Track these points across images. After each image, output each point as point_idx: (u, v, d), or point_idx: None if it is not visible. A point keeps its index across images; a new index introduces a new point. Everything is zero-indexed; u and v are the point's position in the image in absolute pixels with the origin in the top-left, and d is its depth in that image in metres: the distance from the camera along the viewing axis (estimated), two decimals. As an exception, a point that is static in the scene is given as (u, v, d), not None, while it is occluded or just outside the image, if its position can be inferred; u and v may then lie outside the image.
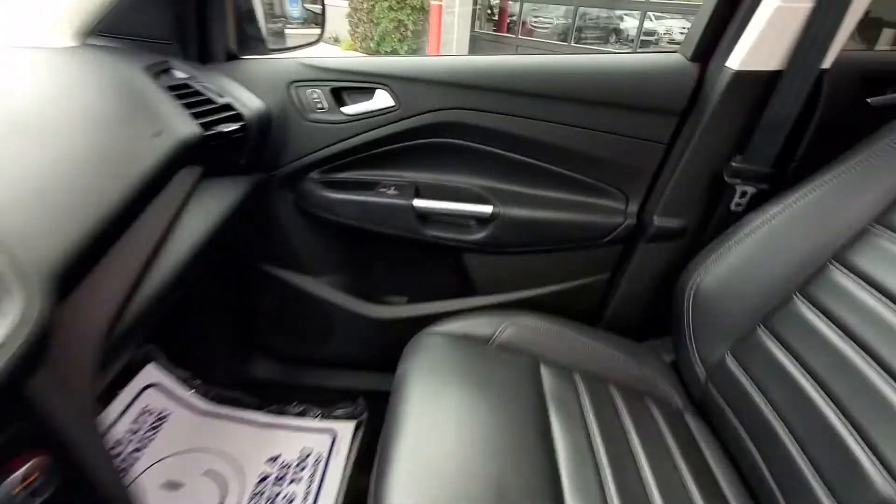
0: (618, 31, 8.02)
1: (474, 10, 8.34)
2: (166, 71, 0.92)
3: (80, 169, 0.54)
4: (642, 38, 7.50)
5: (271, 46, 1.16)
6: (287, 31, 1.55)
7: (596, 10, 7.88)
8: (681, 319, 0.94)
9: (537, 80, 0.99)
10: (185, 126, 0.79)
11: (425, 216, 1.11)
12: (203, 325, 1.29)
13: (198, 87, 0.90)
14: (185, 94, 0.87)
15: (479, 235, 1.11)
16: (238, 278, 1.23)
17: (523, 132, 1.02)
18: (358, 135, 1.04)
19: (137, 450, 1.19)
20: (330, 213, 1.11)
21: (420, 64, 1.03)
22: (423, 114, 1.02)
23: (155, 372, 1.32)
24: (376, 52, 8.58)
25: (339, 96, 1.04)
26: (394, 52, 8.48)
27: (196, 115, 0.84)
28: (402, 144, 1.07)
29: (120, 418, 1.23)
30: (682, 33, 7.41)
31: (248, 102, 0.95)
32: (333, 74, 1.02)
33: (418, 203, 1.08)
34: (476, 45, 8.49)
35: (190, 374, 1.35)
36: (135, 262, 0.59)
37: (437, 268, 1.25)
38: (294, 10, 1.67)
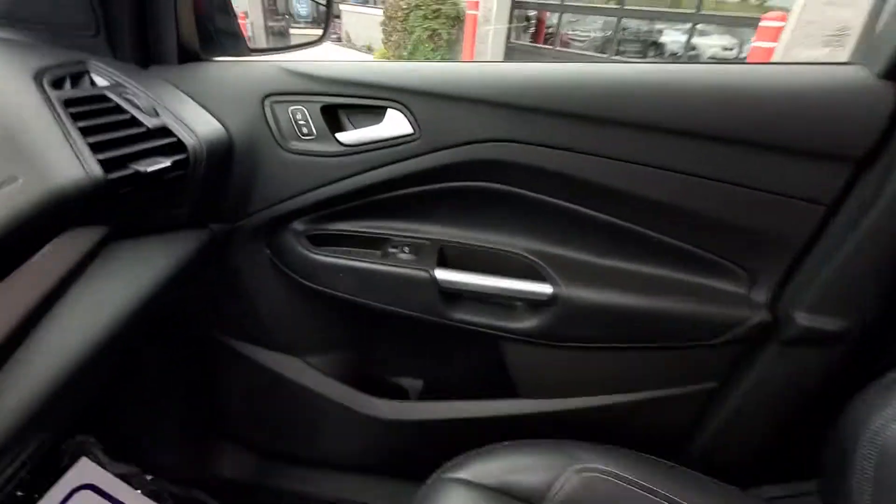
0: (657, 45, 7.57)
1: (511, 20, 8.05)
2: (79, 76, 0.62)
3: None
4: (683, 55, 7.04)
5: (253, 46, 0.85)
6: (293, 30, 1.25)
7: (635, 22, 7.45)
8: (847, 474, 0.57)
9: (627, 99, 0.64)
10: (70, 168, 0.48)
11: (452, 294, 0.77)
12: (153, 409, 0.99)
13: (119, 101, 0.60)
14: (94, 111, 0.56)
15: (529, 323, 0.76)
16: (197, 354, 0.92)
17: (602, 178, 0.68)
18: (358, 174, 0.72)
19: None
20: (317, 283, 0.79)
21: (452, 73, 0.70)
22: (454, 147, 0.69)
23: (89, 469, 1.01)
24: (410, 61, 8.38)
25: (333, 117, 0.72)
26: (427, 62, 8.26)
27: (104, 146, 0.53)
28: (422, 188, 0.75)
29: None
30: (727, 51, 6.90)
31: (198, 125, 0.64)
32: (327, 85, 0.70)
33: (443, 275, 0.74)
34: (512, 56, 8.18)
35: (137, 469, 1.04)
36: None
37: (465, 355, 0.91)
38: (301, 7, 1.37)
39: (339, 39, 10.75)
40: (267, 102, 0.70)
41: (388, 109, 0.69)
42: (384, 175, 0.72)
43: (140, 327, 0.59)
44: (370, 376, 0.98)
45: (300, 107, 0.70)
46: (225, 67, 0.73)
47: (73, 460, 1.01)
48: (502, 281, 0.74)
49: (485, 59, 7.89)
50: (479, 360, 0.90)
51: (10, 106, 0.50)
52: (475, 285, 0.74)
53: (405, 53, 8.31)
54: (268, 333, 0.88)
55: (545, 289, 0.73)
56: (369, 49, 9.53)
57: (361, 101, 0.70)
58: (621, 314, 0.73)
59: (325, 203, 0.75)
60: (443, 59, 8.25)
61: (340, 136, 0.71)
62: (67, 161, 0.49)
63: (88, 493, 1.00)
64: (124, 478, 1.04)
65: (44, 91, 0.54)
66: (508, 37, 8.11)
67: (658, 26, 7.49)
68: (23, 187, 0.44)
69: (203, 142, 0.63)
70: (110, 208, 0.54)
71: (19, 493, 0.95)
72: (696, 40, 7.09)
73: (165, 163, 0.58)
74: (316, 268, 0.77)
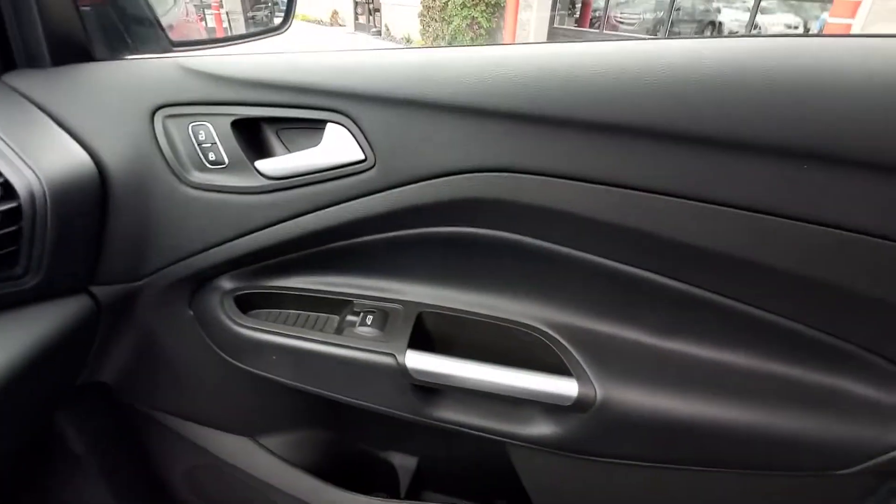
0: (714, 25, 6.88)
1: (554, 3, 7.58)
2: None
3: None
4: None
5: (177, 39, 0.65)
6: (278, 19, 1.05)
7: (689, 0, 6.81)
8: None
9: (695, 98, 0.38)
10: None
11: (431, 389, 0.54)
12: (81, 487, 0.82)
13: None
14: None
15: (545, 430, 0.52)
16: (129, 439, 0.74)
17: (660, 225, 0.43)
18: (290, 219, 0.50)
19: None
20: (245, 363, 0.58)
21: (419, 66, 0.46)
22: (424, 180, 0.46)
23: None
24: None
25: (253, 136, 0.51)
26: (464, 52, 7.96)
27: None
28: (383, 236, 0.52)
29: None
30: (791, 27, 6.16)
31: (47, 157, 0.44)
32: (240, 89, 0.48)
33: (416, 362, 0.51)
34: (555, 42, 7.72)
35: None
36: None
37: (459, 450, 0.69)
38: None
39: (378, 32, 10.64)
40: (158, 117, 0.49)
41: (328, 124, 0.47)
42: (327, 220, 0.49)
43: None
44: (345, 456, 0.77)
45: (204, 122, 0.49)
46: (113, 69, 0.53)
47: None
48: (504, 373, 0.50)
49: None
50: (479, 458, 0.67)
51: None
52: (464, 379, 0.50)
53: (443, 44, 8.05)
54: (204, 410, 0.69)
55: (568, 387, 0.48)
56: (407, 40, 9.36)
57: (288, 112, 0.48)
58: (690, 426, 0.47)
59: (251, 256, 0.53)
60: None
61: (262, 164, 0.49)
62: None
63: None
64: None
65: None
66: (552, 21, 7.66)
67: (715, 3, 6.86)
68: None
69: (49, 183, 0.43)
70: None
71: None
72: (758, 18, 6.43)
73: None
74: (245, 345, 0.56)
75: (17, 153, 0.43)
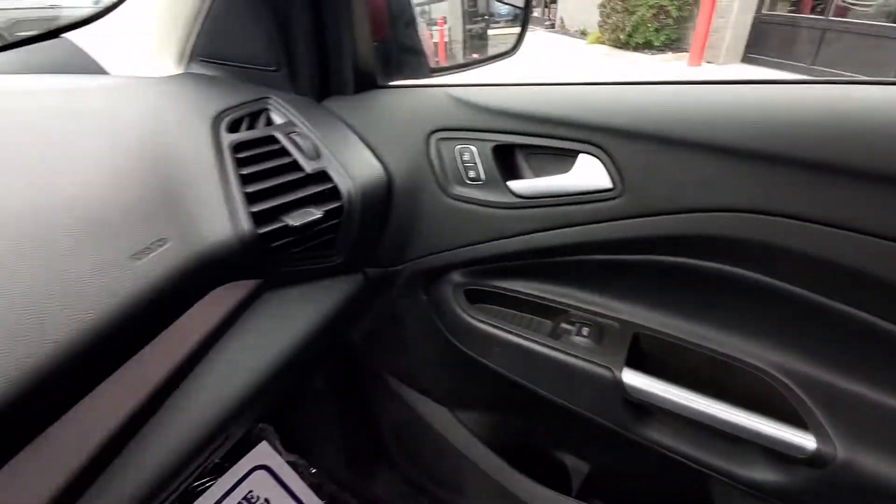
0: None
1: (764, -13, 6.55)
2: (259, 114, 0.61)
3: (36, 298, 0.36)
4: None
5: (433, 65, 0.76)
6: (492, 31, 1.14)
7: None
8: None
9: None
10: (215, 226, 0.46)
11: (644, 407, 0.56)
12: (322, 417, 1.03)
13: (285, 142, 0.57)
14: (260, 155, 0.54)
15: (769, 477, 0.51)
16: (360, 385, 0.92)
17: None
18: (532, 233, 0.57)
19: (227, 548, 1.01)
20: (470, 349, 0.67)
21: (677, 102, 0.48)
22: (673, 213, 0.48)
23: (266, 453, 1.12)
24: (625, 45, 7.65)
25: (508, 158, 0.58)
26: (646, 44, 7.40)
27: (260, 195, 0.50)
28: (616, 258, 0.55)
29: (222, 501, 1.07)
30: None
31: (358, 167, 0.58)
32: (501, 119, 0.56)
33: (633, 378, 0.54)
34: (760, 34, 6.67)
35: (304, 461, 1.12)
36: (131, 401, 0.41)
37: (651, 474, 0.70)
38: (501, 7, 1.25)
39: (551, 25, 10.49)
40: (433, 139, 0.60)
41: (580, 154, 0.52)
42: (566, 238, 0.55)
43: (296, 366, 0.57)
44: (524, 445, 0.84)
45: (469, 146, 0.58)
46: (396, 97, 0.66)
47: (255, 443, 1.14)
48: (729, 410, 0.50)
49: (722, 36, 6.64)
50: (671, 484, 0.67)
51: (180, 152, 0.51)
52: (683, 406, 0.52)
53: (622, 36, 7.61)
54: (420, 378, 0.82)
55: (803, 439, 0.47)
56: (583, 33, 9.05)
57: (545, 141, 0.54)
58: None
59: (489, 259, 0.62)
60: (668, 40, 7.28)
61: (514, 184, 0.56)
62: (219, 219, 0.47)
63: (263, 472, 1.12)
64: (293, 465, 1.13)
65: (217, 136, 0.54)
66: (759, 7, 6.63)
67: None
68: (169, 251, 0.43)
69: (360, 188, 0.56)
70: (262, 260, 0.51)
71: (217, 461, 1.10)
72: None
73: (317, 214, 0.53)
74: (470, 332, 0.65)
75: (341, 164, 0.57)
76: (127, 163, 0.48)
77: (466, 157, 0.58)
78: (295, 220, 0.51)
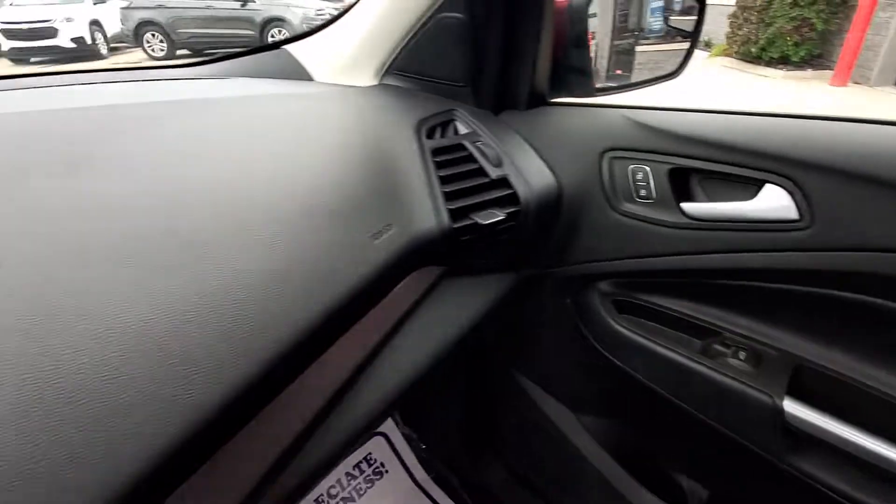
0: None
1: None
2: (448, 124, 0.70)
3: (290, 274, 0.42)
4: None
5: (599, 84, 0.81)
6: (639, 48, 1.16)
7: None
8: None
9: None
10: (425, 218, 0.55)
11: (805, 438, 0.57)
12: (441, 400, 1.12)
13: (472, 150, 0.65)
14: (453, 160, 0.63)
15: None
16: (484, 376, 0.99)
17: None
18: (702, 254, 0.59)
19: (347, 500, 1.13)
20: (614, 355, 0.71)
21: (868, 138, 0.49)
22: (860, 251, 0.49)
23: (387, 422, 1.24)
24: (756, 59, 7.04)
25: (681, 181, 0.61)
26: (782, 59, 6.76)
27: (455, 195, 0.59)
28: (792, 287, 0.56)
29: (347, 456, 1.20)
30: None
31: (534, 177, 0.64)
32: (680, 144, 0.59)
33: (795, 407, 0.55)
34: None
35: (416, 436, 1.22)
36: (341, 374, 0.50)
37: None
38: (655, 22, 1.25)
39: (672, 35, 9.96)
40: (605, 157, 0.64)
41: (766, 184, 0.54)
42: (737, 263, 0.57)
43: (452, 353, 0.64)
44: (642, 455, 0.85)
45: (643, 166, 0.62)
46: (568, 114, 0.71)
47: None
48: None
49: (875, 54, 5.88)
50: None
51: (395, 153, 0.60)
52: (855, 444, 0.52)
53: (753, 49, 7.02)
54: (549, 378, 0.87)
55: None
56: (707, 45, 8.48)
57: (727, 168, 0.56)
58: None
59: (646, 273, 0.65)
60: (808, 55, 6.60)
61: (689, 206, 0.59)
62: (427, 211, 0.56)
63: (381, 439, 1.24)
64: (407, 438, 1.24)
65: (420, 141, 0.63)
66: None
67: None
68: (395, 235, 0.52)
69: (535, 196, 0.63)
70: (449, 251, 0.59)
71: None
72: None
73: (500, 216, 0.60)
74: (616, 339, 0.69)
75: (519, 172, 0.64)
76: (353, 159, 0.58)
77: (639, 176, 0.62)
78: (483, 219, 0.59)
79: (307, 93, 0.73)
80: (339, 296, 0.44)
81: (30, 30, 7.54)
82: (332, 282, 0.44)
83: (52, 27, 7.61)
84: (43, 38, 7.60)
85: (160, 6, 7.66)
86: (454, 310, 0.63)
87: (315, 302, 0.42)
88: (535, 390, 0.89)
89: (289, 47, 0.88)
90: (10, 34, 7.54)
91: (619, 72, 0.95)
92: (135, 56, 8.28)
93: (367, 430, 0.55)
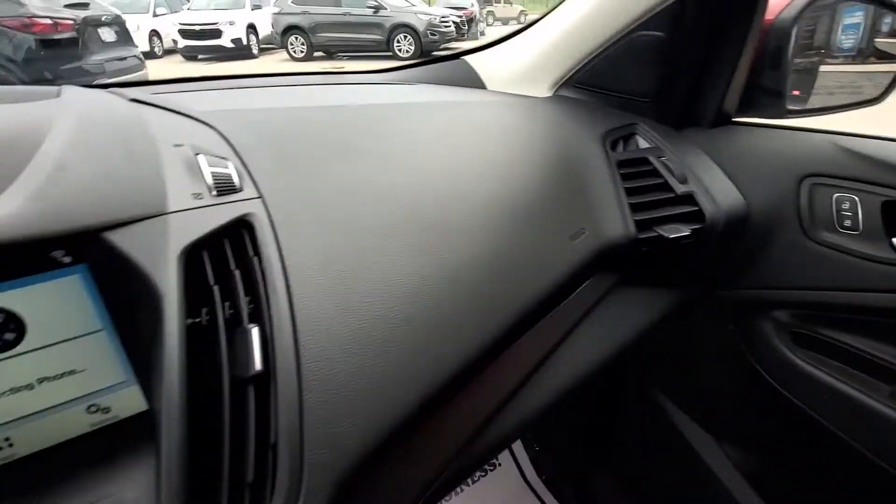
0: None
1: None
2: (629, 137, 0.72)
3: (495, 269, 0.47)
4: None
5: (790, 107, 0.77)
6: (823, 68, 1.08)
7: None
8: None
9: None
10: (614, 225, 0.58)
11: None
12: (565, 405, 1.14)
13: (656, 164, 0.66)
14: (637, 173, 0.65)
15: None
16: (619, 390, 0.99)
17: None
18: None
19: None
20: (787, 389, 0.68)
21: None
22: None
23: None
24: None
25: (889, 212, 0.58)
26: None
27: (639, 207, 0.61)
28: None
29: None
30: None
31: (721, 196, 0.64)
32: None
33: None
34: None
35: (530, 435, 1.24)
36: (520, 371, 0.53)
37: None
38: (847, 39, 1.15)
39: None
40: (805, 183, 0.62)
41: None
42: None
43: (609, 365, 0.66)
44: (793, 499, 0.80)
45: (851, 195, 0.59)
46: (758, 135, 0.70)
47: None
48: None
49: None
50: None
51: (583, 161, 0.63)
52: None
53: None
54: (692, 401, 0.85)
55: None
56: None
57: None
58: None
59: (835, 307, 0.62)
60: None
61: (900, 240, 0.56)
62: (615, 219, 0.59)
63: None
64: (522, 436, 1.27)
65: (606, 152, 0.66)
66: None
67: None
68: (587, 239, 0.55)
69: (722, 214, 0.62)
70: (627, 260, 0.61)
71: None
72: None
73: (685, 231, 0.61)
74: (792, 372, 0.66)
75: (707, 192, 0.64)
76: (546, 164, 0.63)
77: (846, 205, 0.59)
78: (668, 232, 0.60)
79: (488, 100, 0.79)
80: (546, 287, 0.49)
81: (201, 30, 8.78)
82: (541, 275, 0.49)
83: (218, 29, 8.79)
84: (210, 38, 8.81)
85: (305, 13, 8.52)
86: (619, 323, 0.65)
87: (530, 288, 0.47)
88: (675, 412, 0.87)
89: (468, 58, 0.96)
90: (186, 34, 8.84)
91: (796, 93, 0.90)
92: (279, 56, 9.30)
93: (523, 429, 0.58)
